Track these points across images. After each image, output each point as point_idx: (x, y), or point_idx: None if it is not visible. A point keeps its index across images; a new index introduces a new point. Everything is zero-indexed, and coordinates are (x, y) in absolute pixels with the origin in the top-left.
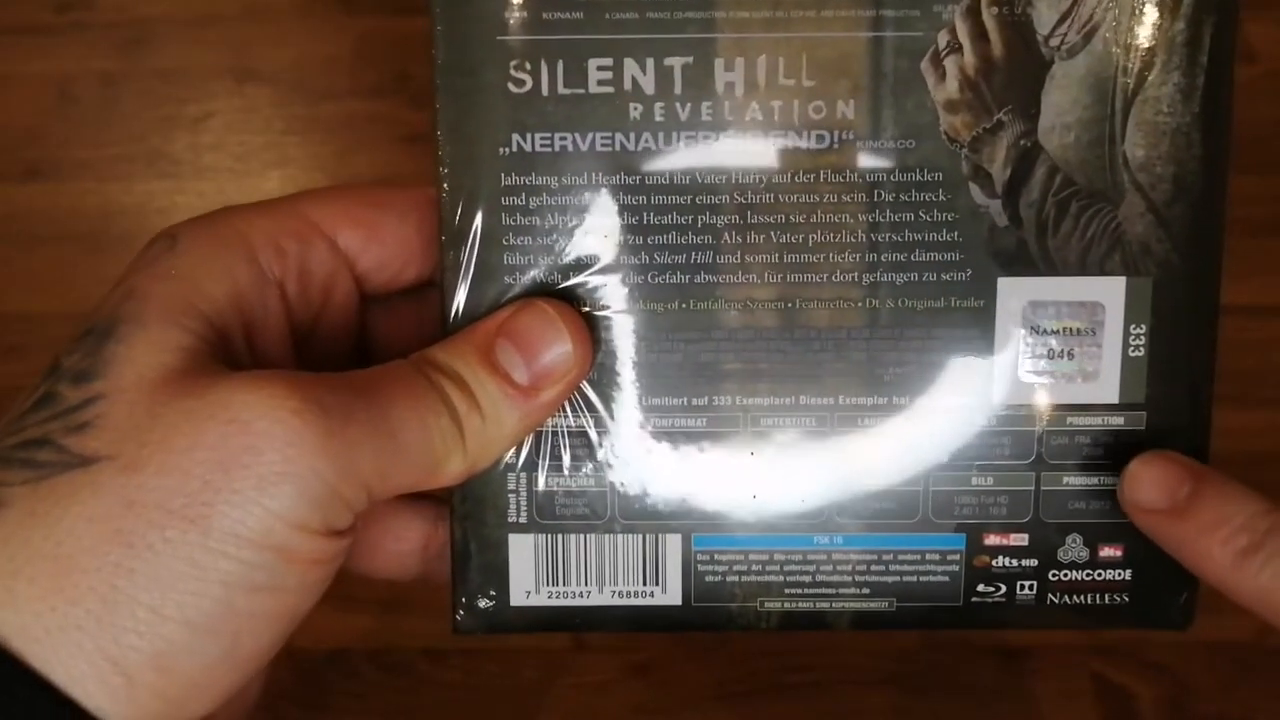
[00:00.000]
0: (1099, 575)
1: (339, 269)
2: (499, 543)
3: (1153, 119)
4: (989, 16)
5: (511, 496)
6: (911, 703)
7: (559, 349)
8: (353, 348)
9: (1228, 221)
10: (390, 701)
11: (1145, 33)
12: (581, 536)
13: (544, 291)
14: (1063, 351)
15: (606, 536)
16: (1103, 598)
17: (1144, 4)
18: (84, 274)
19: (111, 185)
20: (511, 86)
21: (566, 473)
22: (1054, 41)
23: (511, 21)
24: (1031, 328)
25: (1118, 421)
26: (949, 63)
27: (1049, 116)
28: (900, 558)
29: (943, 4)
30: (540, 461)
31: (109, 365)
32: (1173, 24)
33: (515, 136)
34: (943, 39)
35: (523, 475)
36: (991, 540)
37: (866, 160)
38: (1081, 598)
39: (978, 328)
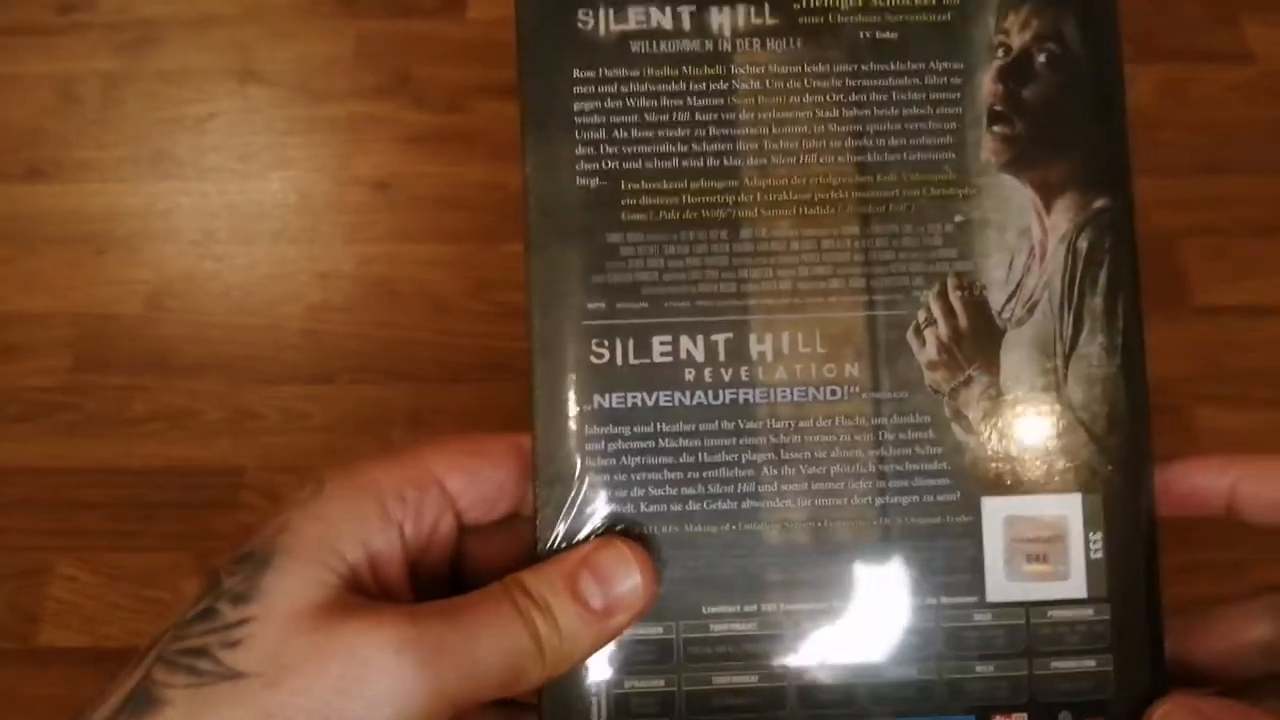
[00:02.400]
0: None
1: (446, 509)
2: None
3: (1086, 370)
4: (955, 298)
5: (593, 700)
6: None
7: (631, 582)
8: (451, 568)
9: (1231, 225)
10: None
11: (1073, 307)
12: None
13: (619, 525)
14: (1038, 555)
15: None
16: None
17: (1070, 285)
18: (86, 274)
19: (114, 186)
20: (593, 359)
21: (640, 676)
22: (1005, 314)
23: (592, 310)
24: (1012, 538)
25: (1088, 613)
26: (928, 333)
27: (1008, 370)
28: None
29: (919, 289)
30: (617, 667)
31: (263, 594)
32: (1093, 299)
33: (596, 397)
34: (921, 315)
35: (601, 680)
36: (998, 719)
37: (871, 408)
38: None
39: (969, 539)
